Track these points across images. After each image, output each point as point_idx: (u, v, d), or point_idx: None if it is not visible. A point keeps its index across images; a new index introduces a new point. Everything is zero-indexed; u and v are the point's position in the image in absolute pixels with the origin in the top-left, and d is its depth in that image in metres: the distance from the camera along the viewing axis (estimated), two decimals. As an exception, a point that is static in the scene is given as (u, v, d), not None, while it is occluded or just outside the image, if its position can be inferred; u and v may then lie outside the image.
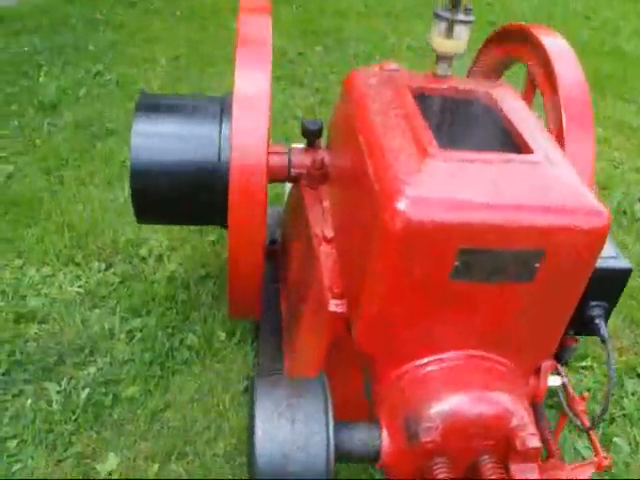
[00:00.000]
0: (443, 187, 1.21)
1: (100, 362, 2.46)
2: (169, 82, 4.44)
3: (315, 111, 4.26)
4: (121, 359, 2.48)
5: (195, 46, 5.01)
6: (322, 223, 1.97)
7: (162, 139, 2.10)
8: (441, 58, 1.56)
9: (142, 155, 2.07)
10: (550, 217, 1.20)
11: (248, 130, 1.84)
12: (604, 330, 1.61)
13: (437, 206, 1.18)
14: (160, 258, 2.98)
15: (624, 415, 2.44)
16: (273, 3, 2.06)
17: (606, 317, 1.65)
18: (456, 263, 1.22)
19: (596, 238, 1.23)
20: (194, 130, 2.11)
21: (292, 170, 2.17)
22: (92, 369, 2.44)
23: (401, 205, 1.17)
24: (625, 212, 3.62)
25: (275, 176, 2.15)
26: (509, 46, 2.30)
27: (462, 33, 1.51)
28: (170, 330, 2.62)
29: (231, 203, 1.86)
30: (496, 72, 2.49)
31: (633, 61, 5.61)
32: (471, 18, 1.50)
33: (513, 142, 1.41)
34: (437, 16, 1.52)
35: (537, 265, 1.24)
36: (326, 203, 2.08)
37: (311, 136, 2.15)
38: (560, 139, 1.88)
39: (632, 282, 2.95)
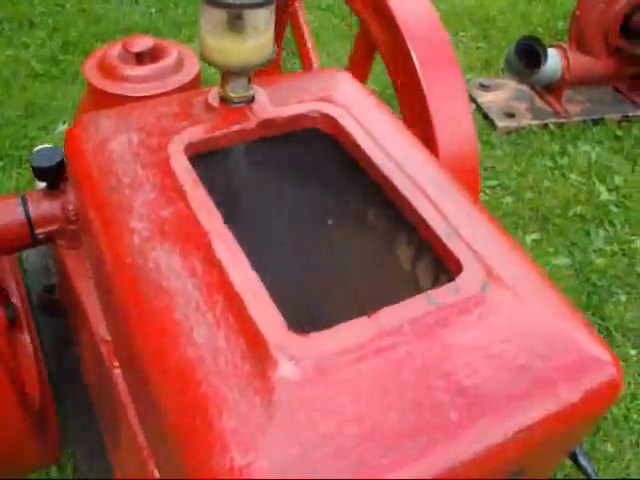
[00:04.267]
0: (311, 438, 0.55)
1: None
2: None
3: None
4: None
5: None
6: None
7: None
8: (231, 74, 0.85)
9: None
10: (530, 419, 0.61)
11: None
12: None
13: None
14: None
15: None
16: None
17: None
18: None
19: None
20: None
21: (37, 230, 1.40)
22: None
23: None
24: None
25: (3, 244, 1.38)
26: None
27: (260, 19, 0.79)
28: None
29: None
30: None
31: None
32: None
33: (399, 231, 0.79)
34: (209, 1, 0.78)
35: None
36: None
37: (48, 176, 1.38)
38: (417, 99, 1.27)
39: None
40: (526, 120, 3.18)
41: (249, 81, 0.88)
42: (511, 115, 3.19)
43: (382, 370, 0.60)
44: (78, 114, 1.46)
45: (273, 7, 0.81)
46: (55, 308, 1.96)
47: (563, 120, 3.18)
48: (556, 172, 2.97)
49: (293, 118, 0.86)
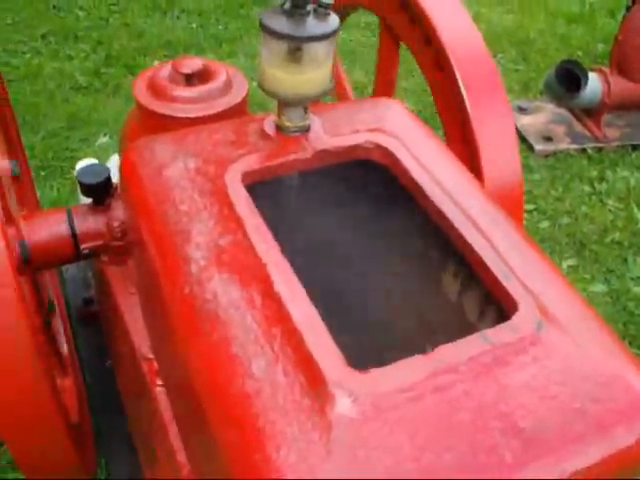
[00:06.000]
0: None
1: None
2: None
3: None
4: None
5: None
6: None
7: None
8: (288, 103, 0.85)
9: None
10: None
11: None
12: None
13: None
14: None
15: None
16: None
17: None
18: None
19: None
20: None
21: (81, 245, 1.42)
22: None
23: None
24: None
25: (48, 258, 1.40)
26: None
27: (319, 52, 0.80)
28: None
29: None
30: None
31: None
32: (334, 24, 0.79)
33: (453, 267, 0.79)
34: (268, 30, 0.78)
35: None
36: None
37: (94, 192, 1.40)
38: (460, 120, 1.27)
39: None
40: (564, 144, 3.15)
41: (305, 111, 0.89)
42: (549, 139, 3.16)
43: (439, 409, 0.60)
44: (124, 131, 1.48)
45: (334, 40, 0.82)
46: (93, 320, 1.99)
47: (602, 145, 3.15)
48: (594, 197, 2.94)
49: (348, 149, 0.87)
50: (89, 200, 1.54)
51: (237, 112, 1.31)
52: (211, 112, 1.28)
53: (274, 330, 0.65)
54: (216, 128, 0.92)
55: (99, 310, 1.98)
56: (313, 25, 0.80)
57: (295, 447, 0.56)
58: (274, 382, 0.61)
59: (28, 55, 3.40)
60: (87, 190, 1.39)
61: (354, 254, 0.85)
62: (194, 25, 3.76)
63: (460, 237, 0.77)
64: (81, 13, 3.79)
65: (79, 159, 2.70)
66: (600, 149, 3.15)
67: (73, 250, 1.41)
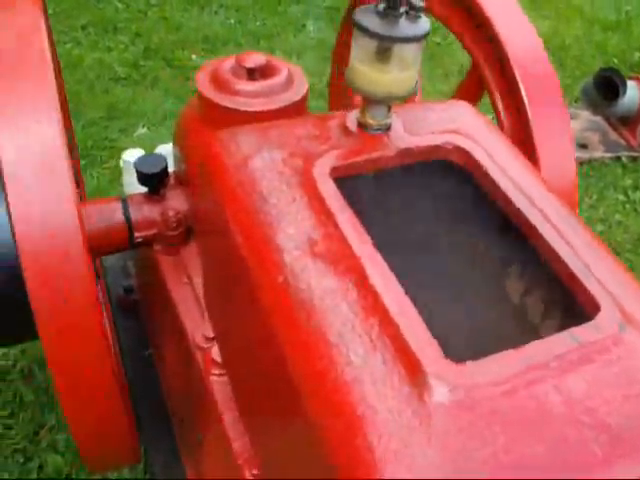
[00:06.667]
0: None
1: None
2: None
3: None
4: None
5: None
6: (203, 326, 1.30)
7: None
8: (373, 101, 0.87)
9: None
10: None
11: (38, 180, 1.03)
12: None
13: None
14: None
15: None
16: None
17: None
18: None
19: None
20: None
21: (135, 234, 1.44)
22: None
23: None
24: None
25: (103, 246, 1.42)
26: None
27: (409, 53, 0.81)
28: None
29: (37, 308, 1.08)
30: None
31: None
32: (425, 27, 0.81)
33: (529, 263, 0.80)
34: (360, 27, 0.80)
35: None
36: (198, 278, 1.40)
37: (151, 182, 1.42)
38: (522, 134, 1.29)
39: None
40: (598, 152, 3.14)
41: (389, 110, 0.90)
42: (584, 146, 3.16)
43: (531, 402, 0.62)
44: (181, 121, 1.50)
45: (423, 43, 0.83)
46: (132, 309, 2.02)
47: (637, 154, 3.14)
48: (628, 206, 2.93)
49: (429, 148, 0.88)
50: (131, 189, 1.57)
51: (297, 109, 1.33)
52: (272, 107, 1.30)
53: (371, 320, 0.66)
54: (297, 123, 0.94)
55: (140, 299, 2.00)
56: (405, 27, 0.81)
57: (397, 433, 0.58)
58: (373, 371, 0.62)
59: (69, 45, 3.44)
60: (145, 179, 1.42)
61: (432, 250, 0.86)
62: (232, 20, 3.78)
63: (541, 238, 0.78)
64: (120, 5, 3.83)
65: (118, 149, 2.74)
66: (635, 158, 3.14)
67: (127, 238, 1.44)
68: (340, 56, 2.01)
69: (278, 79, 1.33)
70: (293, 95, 1.32)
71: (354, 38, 0.83)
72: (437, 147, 0.89)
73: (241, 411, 1.03)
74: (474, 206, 0.87)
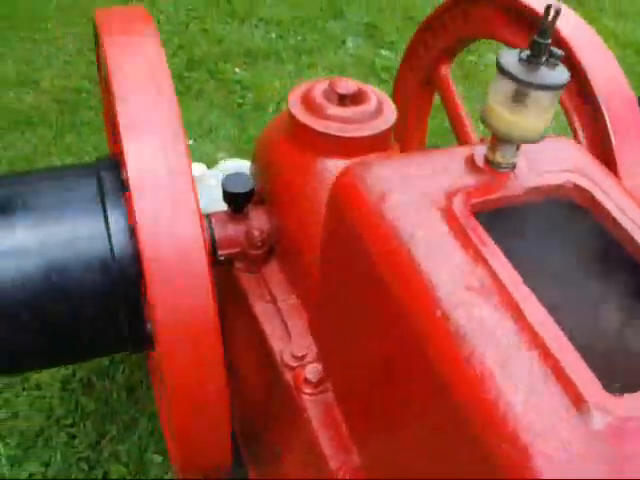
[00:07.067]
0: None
1: None
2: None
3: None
4: None
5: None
6: (291, 345, 1.33)
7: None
8: (503, 141, 0.91)
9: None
10: None
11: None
12: None
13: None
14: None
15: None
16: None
17: None
18: None
19: None
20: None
21: (219, 252, 1.48)
22: None
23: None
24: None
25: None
26: (477, 13, 1.66)
27: (545, 100, 0.85)
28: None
29: (159, 322, 1.14)
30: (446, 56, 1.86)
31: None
32: (563, 76, 0.85)
33: None
34: (502, 69, 0.84)
35: None
36: (282, 296, 1.43)
37: (237, 201, 1.46)
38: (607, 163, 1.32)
39: None
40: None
41: (517, 149, 0.93)
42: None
43: None
44: (264, 138, 1.54)
45: (561, 92, 0.87)
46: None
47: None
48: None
49: (552, 187, 0.92)
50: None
51: (386, 137, 1.36)
52: (364, 134, 1.33)
53: (531, 354, 0.70)
54: (427, 157, 0.98)
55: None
56: (545, 74, 0.85)
57: (564, 457, 0.62)
58: (539, 402, 0.67)
59: (114, 55, 3.48)
60: (231, 199, 1.45)
61: (570, 283, 0.90)
62: (273, 35, 3.83)
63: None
64: (162, 17, 3.88)
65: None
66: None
67: (211, 256, 1.47)
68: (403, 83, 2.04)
69: (369, 106, 1.36)
70: (383, 123, 1.36)
71: (494, 78, 0.87)
72: (559, 186, 0.92)
73: (363, 433, 1.07)
74: (599, 246, 0.90)
